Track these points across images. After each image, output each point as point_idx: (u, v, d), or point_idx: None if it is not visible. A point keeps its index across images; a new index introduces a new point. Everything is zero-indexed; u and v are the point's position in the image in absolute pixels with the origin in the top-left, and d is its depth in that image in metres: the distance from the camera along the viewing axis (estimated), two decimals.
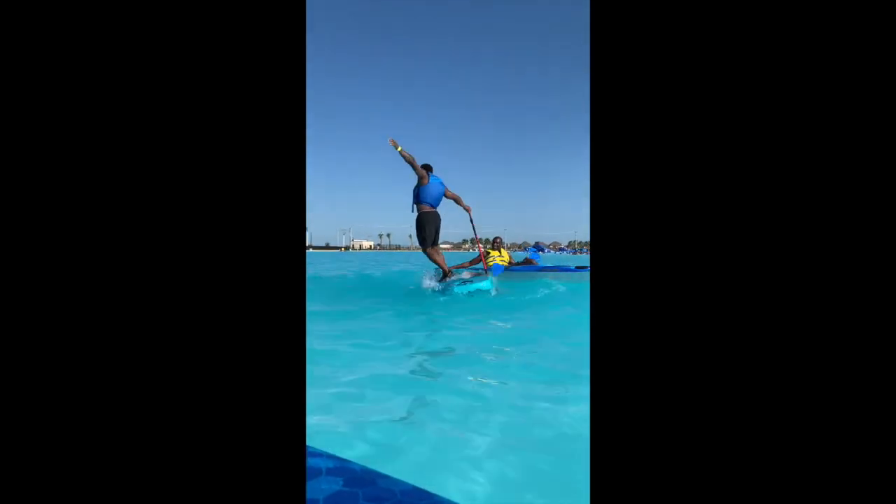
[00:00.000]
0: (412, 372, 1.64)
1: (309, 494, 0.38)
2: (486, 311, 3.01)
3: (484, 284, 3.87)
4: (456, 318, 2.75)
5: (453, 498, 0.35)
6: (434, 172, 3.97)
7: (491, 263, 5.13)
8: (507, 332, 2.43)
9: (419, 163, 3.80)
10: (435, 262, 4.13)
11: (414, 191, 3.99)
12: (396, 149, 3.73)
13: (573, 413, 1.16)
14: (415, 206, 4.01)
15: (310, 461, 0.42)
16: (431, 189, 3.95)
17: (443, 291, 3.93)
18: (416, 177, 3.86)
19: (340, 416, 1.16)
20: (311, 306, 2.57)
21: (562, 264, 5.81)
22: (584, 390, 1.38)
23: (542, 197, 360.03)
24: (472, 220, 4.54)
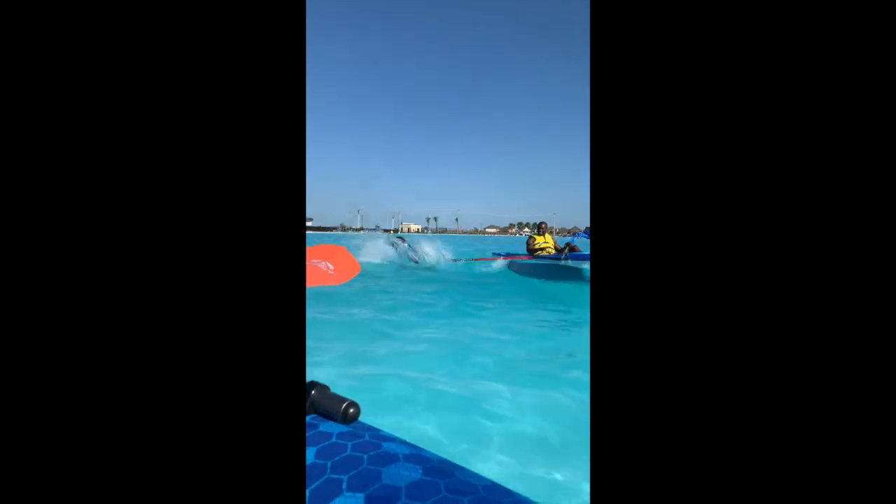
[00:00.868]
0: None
1: (389, 481, 0.36)
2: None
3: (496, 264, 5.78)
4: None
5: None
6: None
7: (537, 248, 5.92)
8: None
9: None
10: None
11: None
12: None
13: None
14: None
15: (385, 446, 0.41)
16: None
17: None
18: None
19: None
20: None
21: None
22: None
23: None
24: None
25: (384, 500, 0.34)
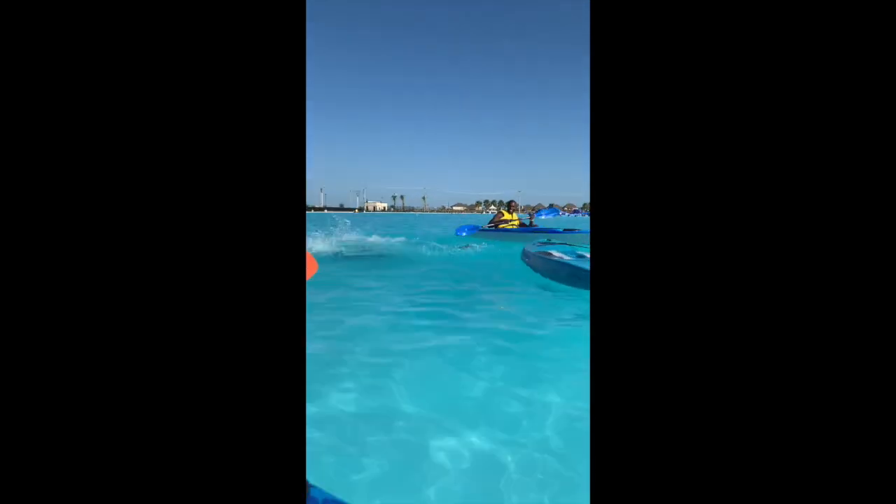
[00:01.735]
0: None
1: None
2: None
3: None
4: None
5: None
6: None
7: (501, 222, 6.41)
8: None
9: None
10: None
11: None
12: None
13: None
14: None
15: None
16: None
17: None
18: None
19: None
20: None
21: (557, 227, 6.23)
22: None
23: (559, 156, 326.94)
24: None
25: None
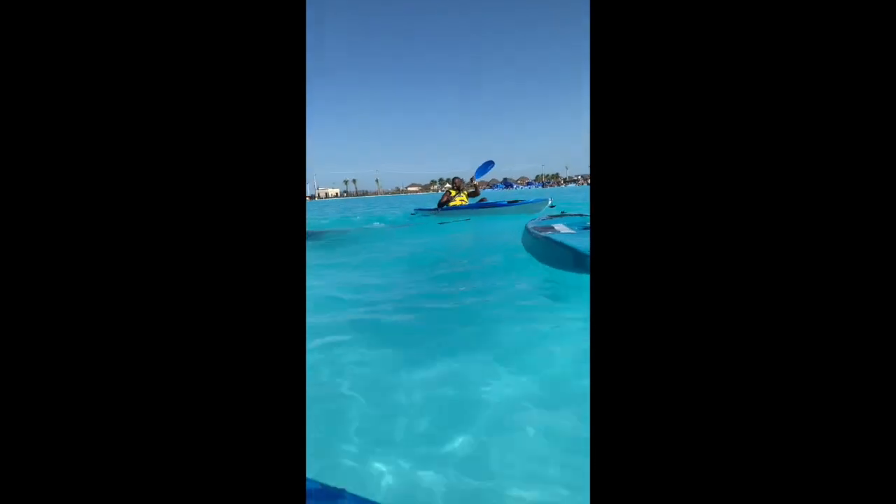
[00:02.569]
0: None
1: None
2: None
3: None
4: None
5: None
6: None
7: (449, 201, 6.56)
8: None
9: None
10: None
11: None
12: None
13: None
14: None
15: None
16: None
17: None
18: None
19: None
20: None
21: (515, 199, 6.71)
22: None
23: (512, 130, 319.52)
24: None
25: None
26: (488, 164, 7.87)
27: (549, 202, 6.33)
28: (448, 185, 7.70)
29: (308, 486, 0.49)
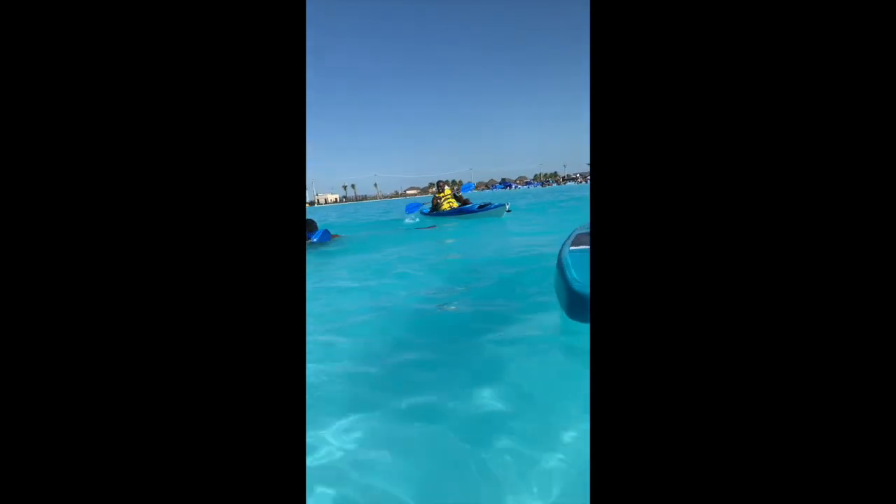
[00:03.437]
0: None
1: None
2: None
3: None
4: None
5: None
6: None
7: (445, 206, 6.92)
8: None
9: None
10: None
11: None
12: None
13: None
14: None
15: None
16: None
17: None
18: None
19: None
20: None
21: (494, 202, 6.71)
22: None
23: (510, 129, 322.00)
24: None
25: None
26: (468, 186, 8.97)
27: (507, 207, 6.67)
28: (433, 190, 8.15)
29: None
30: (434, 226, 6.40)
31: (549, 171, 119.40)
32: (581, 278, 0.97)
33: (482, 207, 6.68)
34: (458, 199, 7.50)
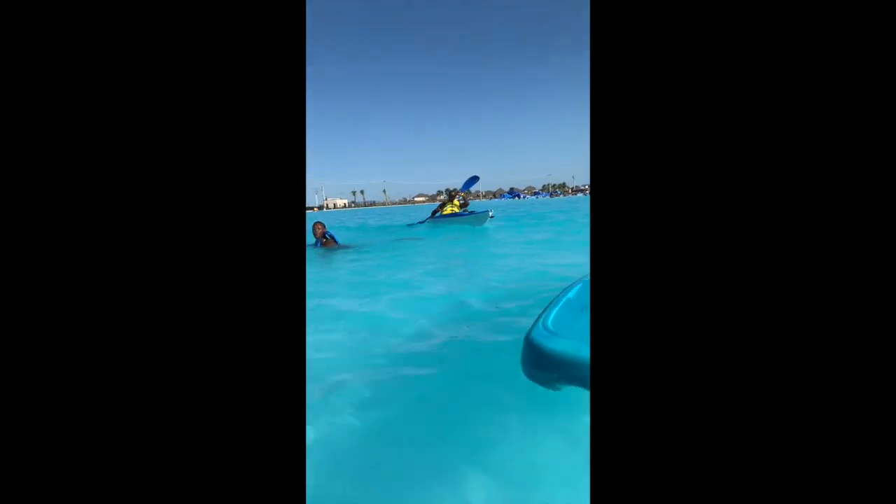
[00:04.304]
0: None
1: None
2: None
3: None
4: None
5: None
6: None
7: (447, 210, 7.46)
8: None
9: None
10: None
11: None
12: None
13: None
14: None
15: None
16: None
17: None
18: None
19: None
20: None
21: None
22: None
23: (519, 140, 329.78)
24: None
25: None
26: (473, 179, 8.89)
27: (490, 213, 6.98)
28: (443, 196, 8.49)
29: None
30: (421, 238, 6.43)
31: (557, 181, 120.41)
32: (555, 329, 0.80)
33: (470, 213, 7.27)
34: (462, 206, 7.98)
